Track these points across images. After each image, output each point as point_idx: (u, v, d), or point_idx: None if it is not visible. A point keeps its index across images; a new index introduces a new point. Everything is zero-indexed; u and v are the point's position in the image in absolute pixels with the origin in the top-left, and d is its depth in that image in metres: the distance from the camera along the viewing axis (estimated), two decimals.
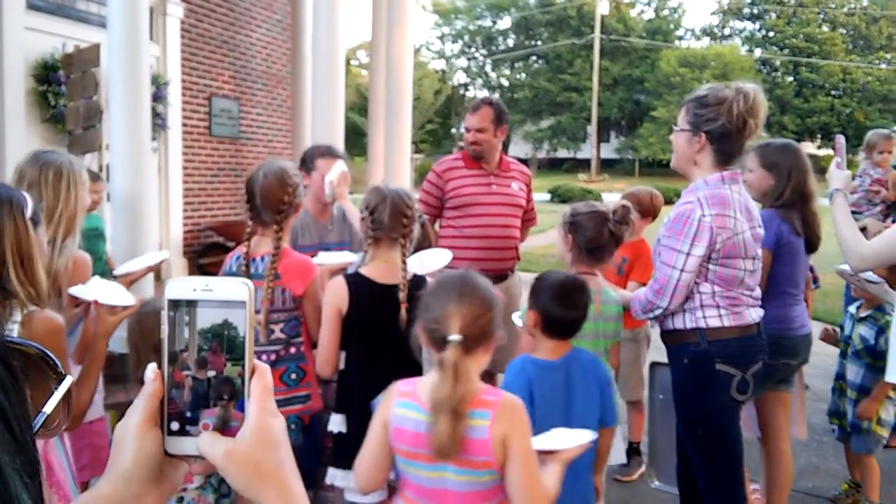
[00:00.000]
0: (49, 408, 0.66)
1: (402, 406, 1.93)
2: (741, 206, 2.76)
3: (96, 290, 2.42)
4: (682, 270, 2.67)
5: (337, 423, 2.78)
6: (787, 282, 3.17)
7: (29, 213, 1.95)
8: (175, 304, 0.74)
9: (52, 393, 0.66)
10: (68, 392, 0.68)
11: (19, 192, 1.98)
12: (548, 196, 27.36)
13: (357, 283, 2.74)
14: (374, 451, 1.96)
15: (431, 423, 1.80)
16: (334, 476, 2.77)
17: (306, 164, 3.81)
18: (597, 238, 2.82)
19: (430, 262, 3.14)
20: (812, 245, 3.33)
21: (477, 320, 1.89)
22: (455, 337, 1.84)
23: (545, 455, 1.96)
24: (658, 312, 2.79)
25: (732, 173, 2.78)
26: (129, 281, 2.93)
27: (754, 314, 2.80)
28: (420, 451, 1.87)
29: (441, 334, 1.86)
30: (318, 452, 2.98)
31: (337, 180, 3.62)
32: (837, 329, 4.18)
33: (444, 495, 1.89)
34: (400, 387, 1.98)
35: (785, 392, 3.37)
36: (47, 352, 0.66)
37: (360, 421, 2.75)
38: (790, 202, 3.21)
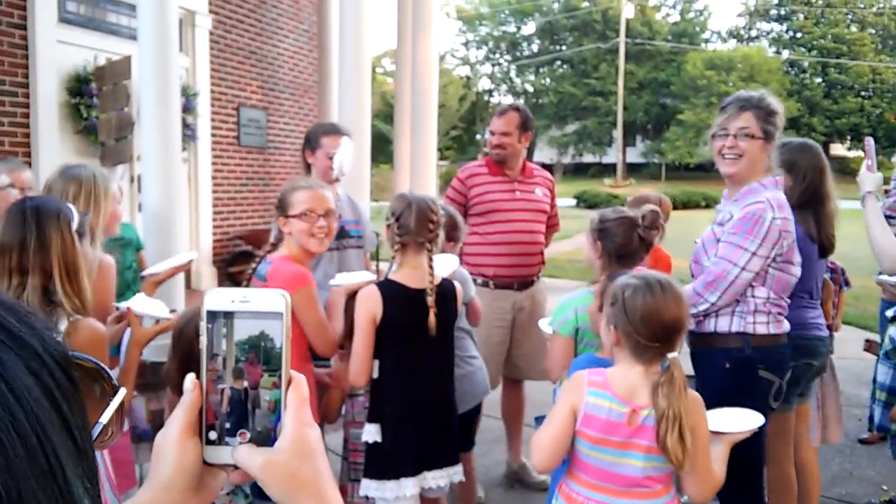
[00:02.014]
0: (105, 418, 0.68)
1: (595, 395, 2.06)
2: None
3: (134, 301, 2.48)
4: (742, 268, 2.67)
5: (371, 433, 2.77)
6: (799, 286, 3.10)
7: (75, 225, 2.01)
8: (213, 316, 0.75)
9: (107, 405, 0.68)
10: (121, 404, 0.71)
11: (66, 206, 2.04)
12: (573, 201, 27.25)
13: (390, 290, 2.76)
14: (558, 434, 2.09)
15: (674, 440, 1.95)
16: (368, 487, 2.77)
17: (310, 142, 3.80)
18: (627, 244, 2.79)
19: (439, 267, 3.14)
20: (825, 249, 3.25)
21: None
22: (675, 354, 2.02)
23: (712, 435, 2.13)
24: (703, 308, 2.74)
25: (779, 179, 2.87)
26: (156, 282, 2.99)
27: (787, 323, 2.83)
28: (608, 438, 2.03)
29: (660, 351, 2.03)
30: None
31: (347, 158, 3.65)
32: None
33: (622, 478, 2.05)
34: (590, 376, 2.11)
35: (806, 404, 3.32)
36: (103, 365, 0.68)
37: (395, 430, 2.76)
38: (803, 203, 3.17)
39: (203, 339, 0.75)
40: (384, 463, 2.76)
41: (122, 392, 0.70)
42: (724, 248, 2.72)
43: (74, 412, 0.50)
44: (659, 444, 1.97)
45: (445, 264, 3.30)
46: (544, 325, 3.03)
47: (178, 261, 3.09)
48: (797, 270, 2.79)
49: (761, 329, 2.71)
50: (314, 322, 2.77)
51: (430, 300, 2.73)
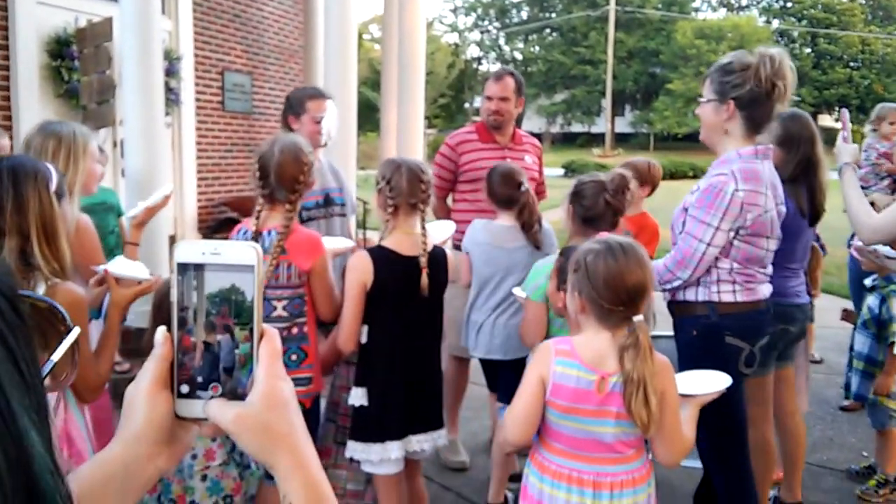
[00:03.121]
0: (57, 356, 0.67)
1: (562, 364, 2.05)
2: (770, 183, 2.72)
3: (112, 263, 2.45)
4: (708, 244, 2.64)
5: (358, 397, 2.79)
6: (784, 258, 3.05)
7: (54, 186, 1.96)
8: (184, 268, 0.74)
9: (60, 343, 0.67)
10: (75, 346, 0.70)
11: (44, 166, 2.00)
12: (562, 171, 27.21)
13: (381, 256, 2.75)
14: (528, 406, 2.08)
15: (638, 403, 1.95)
16: (354, 449, 2.79)
17: (294, 108, 3.71)
18: (593, 207, 2.82)
19: (435, 233, 3.13)
20: (816, 217, 3.26)
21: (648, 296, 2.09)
22: (640, 317, 2.01)
23: (680, 398, 2.14)
24: (676, 284, 2.75)
25: (766, 148, 2.73)
26: (138, 224, 2.96)
27: (765, 290, 2.79)
28: (578, 406, 2.03)
29: (624, 315, 2.01)
30: (316, 434, 3.03)
31: (334, 122, 3.60)
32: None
33: (594, 445, 2.06)
34: (556, 345, 2.10)
35: (787, 368, 3.35)
36: (56, 304, 0.67)
37: (381, 394, 2.77)
38: (797, 175, 3.15)
39: (174, 292, 0.74)
40: (370, 426, 2.78)
41: (76, 331, 0.69)
42: (689, 223, 2.70)
43: (21, 345, 0.49)
44: (625, 407, 1.98)
45: (441, 230, 3.29)
46: (518, 291, 3.03)
47: (153, 199, 3.04)
48: (768, 244, 2.73)
49: (727, 297, 2.70)
50: (328, 287, 2.82)
51: (423, 261, 2.73)
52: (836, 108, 40.83)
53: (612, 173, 2.87)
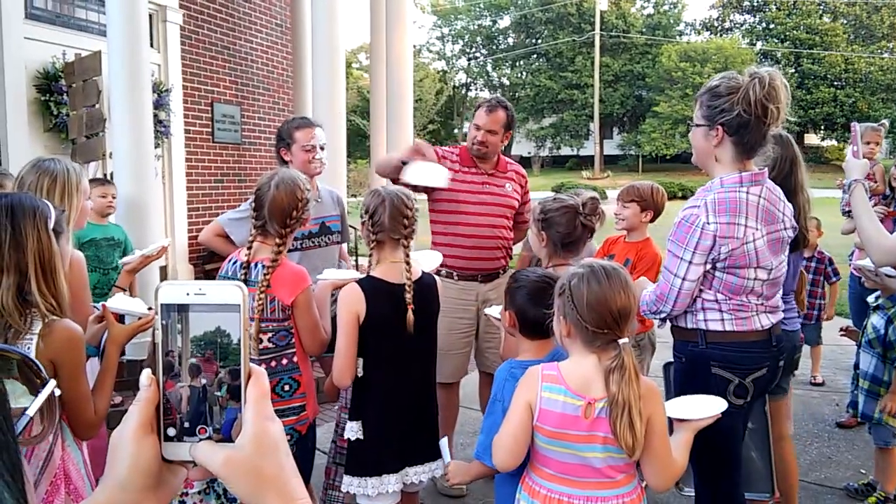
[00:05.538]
0: (32, 411, 0.65)
1: (549, 389, 2.05)
2: (761, 210, 2.57)
3: (111, 300, 2.44)
4: (683, 279, 2.57)
5: (353, 431, 2.76)
6: None
7: (52, 223, 1.96)
8: (168, 309, 0.73)
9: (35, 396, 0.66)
10: (52, 399, 0.68)
11: (43, 203, 1.99)
12: (552, 194, 27.30)
13: (371, 286, 2.73)
14: (516, 431, 2.08)
15: (623, 426, 1.94)
16: (349, 484, 2.75)
17: (284, 140, 3.79)
18: (571, 233, 2.82)
19: (423, 263, 3.12)
20: (796, 241, 3.03)
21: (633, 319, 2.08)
22: (626, 340, 2.00)
23: (675, 422, 2.14)
24: (662, 316, 2.71)
25: (754, 174, 2.58)
26: (129, 271, 2.98)
27: (765, 320, 2.65)
28: (565, 432, 2.02)
29: (610, 338, 2.01)
30: (312, 459, 3.02)
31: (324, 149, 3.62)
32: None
33: (583, 470, 2.05)
34: (544, 371, 2.09)
35: (780, 400, 3.31)
36: (30, 357, 0.65)
37: (378, 426, 2.74)
38: None
39: (158, 334, 0.73)
40: (366, 460, 2.74)
41: (52, 384, 0.67)
42: (667, 257, 2.65)
43: None
44: (611, 431, 1.96)
45: (428, 261, 3.28)
46: (495, 312, 3.01)
47: (150, 250, 3.06)
48: (756, 273, 2.59)
49: (715, 326, 2.61)
50: (312, 323, 2.80)
51: (409, 297, 2.70)
52: (822, 127, 41.22)
53: (584, 197, 2.87)
